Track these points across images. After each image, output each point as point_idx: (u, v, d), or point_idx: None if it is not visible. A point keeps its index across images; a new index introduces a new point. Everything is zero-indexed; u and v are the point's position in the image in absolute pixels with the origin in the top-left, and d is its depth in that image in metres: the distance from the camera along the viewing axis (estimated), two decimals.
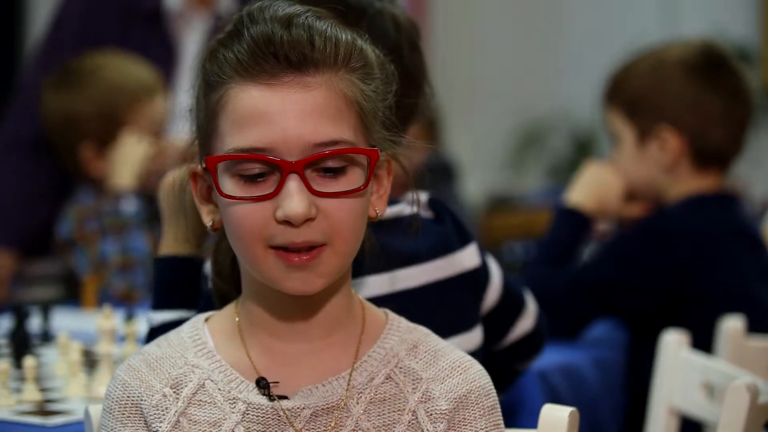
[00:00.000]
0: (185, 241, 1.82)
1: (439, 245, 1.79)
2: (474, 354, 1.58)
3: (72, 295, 3.04)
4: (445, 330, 1.60)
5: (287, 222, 1.37)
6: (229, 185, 1.40)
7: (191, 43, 3.49)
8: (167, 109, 3.22)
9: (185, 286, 1.82)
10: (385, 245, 1.63)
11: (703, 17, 6.82)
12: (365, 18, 1.76)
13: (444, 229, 1.81)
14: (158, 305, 1.82)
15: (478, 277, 1.85)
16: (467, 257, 1.83)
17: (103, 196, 3.11)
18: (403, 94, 1.72)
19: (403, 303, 1.58)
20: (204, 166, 1.43)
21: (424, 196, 1.81)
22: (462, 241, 1.83)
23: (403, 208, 1.76)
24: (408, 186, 1.62)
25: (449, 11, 7.72)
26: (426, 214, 1.81)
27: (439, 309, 1.56)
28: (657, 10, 7.02)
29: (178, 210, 1.81)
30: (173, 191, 1.82)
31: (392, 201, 1.75)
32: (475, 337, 1.81)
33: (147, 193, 3.09)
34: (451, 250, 1.81)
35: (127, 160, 3.13)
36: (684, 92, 2.70)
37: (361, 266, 1.57)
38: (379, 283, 1.70)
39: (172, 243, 1.82)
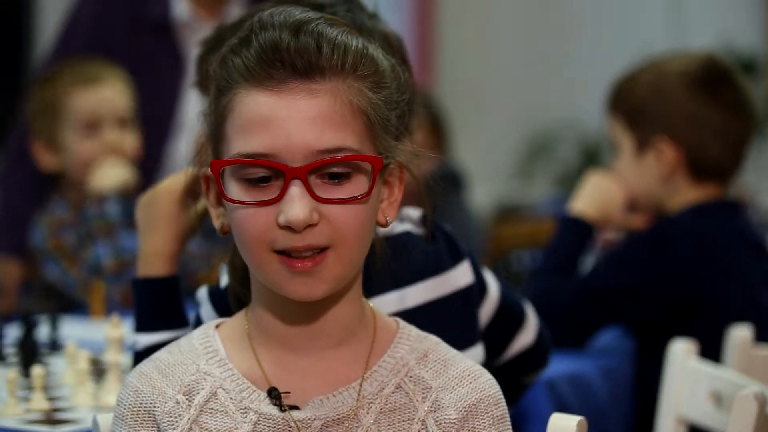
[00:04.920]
0: (160, 256, 1.82)
1: (428, 265, 1.77)
2: None
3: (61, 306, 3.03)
4: None
5: (289, 227, 1.37)
6: (234, 189, 1.41)
7: None
8: (116, 98, 3.17)
9: (168, 306, 1.82)
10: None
11: (710, 27, 6.82)
12: None
13: (435, 248, 1.79)
14: (142, 327, 1.81)
15: (472, 294, 1.83)
16: (460, 275, 1.81)
17: (84, 200, 3.10)
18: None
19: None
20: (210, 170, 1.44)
21: (416, 213, 1.80)
22: (454, 259, 1.81)
23: (393, 226, 1.75)
24: (418, 195, 1.61)
25: (457, 21, 7.72)
26: (417, 231, 1.80)
27: (434, 329, 1.55)
28: (664, 20, 7.02)
29: (150, 224, 1.82)
30: (146, 205, 1.82)
31: None
32: (475, 355, 1.80)
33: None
34: (443, 269, 1.79)
35: (109, 161, 3.12)
36: (683, 105, 2.69)
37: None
38: (385, 303, 1.70)
39: (148, 261, 1.82)
